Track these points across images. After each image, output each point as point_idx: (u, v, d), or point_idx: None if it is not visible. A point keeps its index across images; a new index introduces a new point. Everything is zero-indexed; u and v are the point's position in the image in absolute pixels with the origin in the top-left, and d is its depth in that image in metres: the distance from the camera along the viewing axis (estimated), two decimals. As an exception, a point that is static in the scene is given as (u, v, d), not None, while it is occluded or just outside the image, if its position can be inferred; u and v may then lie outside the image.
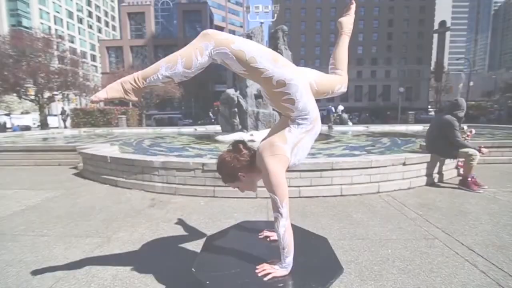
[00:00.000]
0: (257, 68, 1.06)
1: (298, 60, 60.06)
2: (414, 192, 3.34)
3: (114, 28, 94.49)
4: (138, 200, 3.10)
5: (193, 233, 2.16)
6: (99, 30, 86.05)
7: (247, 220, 1.92)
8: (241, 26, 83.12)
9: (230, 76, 9.10)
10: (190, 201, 3.01)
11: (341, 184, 3.17)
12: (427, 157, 3.58)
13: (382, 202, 2.96)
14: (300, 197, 3.09)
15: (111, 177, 3.71)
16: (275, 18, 21.07)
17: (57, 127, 26.65)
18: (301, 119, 1.16)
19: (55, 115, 30.53)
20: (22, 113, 34.13)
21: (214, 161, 3.20)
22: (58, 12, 69.61)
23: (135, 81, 1.09)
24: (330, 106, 19.98)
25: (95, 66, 29.46)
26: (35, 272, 1.63)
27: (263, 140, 1.23)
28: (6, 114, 33.91)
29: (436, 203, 2.91)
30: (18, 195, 3.36)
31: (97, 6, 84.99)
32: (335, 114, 15.89)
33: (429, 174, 3.61)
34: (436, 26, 65.21)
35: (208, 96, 43.59)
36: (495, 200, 3.00)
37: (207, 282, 1.05)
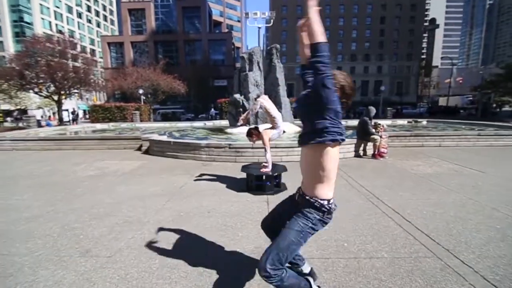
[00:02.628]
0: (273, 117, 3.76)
1: (294, 56, 62.40)
2: (345, 160, 6.06)
3: (112, 22, 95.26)
4: (194, 163, 5.78)
5: (229, 176, 4.84)
6: (98, 25, 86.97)
7: (255, 163, 4.58)
8: (239, 21, 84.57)
9: (237, 83, 11.42)
10: (223, 164, 5.69)
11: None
12: (354, 140, 6.30)
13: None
14: (283, 162, 5.77)
15: (173, 153, 6.39)
16: (271, 24, 23.42)
17: (68, 121, 29.11)
18: (276, 125, 3.86)
19: (66, 110, 32.81)
20: (35, 108, 36.28)
21: (235, 142, 5.91)
22: (58, 7, 70.56)
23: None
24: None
25: (95, 61, 31.41)
26: (150, 190, 4.31)
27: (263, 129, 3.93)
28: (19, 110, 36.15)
29: (354, 165, 5.62)
30: (119, 165, 5.97)
31: (95, 1, 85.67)
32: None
33: (356, 151, 6.34)
34: (427, 23, 67.57)
35: (208, 91, 45.78)
36: (383, 162, 5.74)
37: (247, 170, 3.75)
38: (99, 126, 14.67)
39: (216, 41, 55.56)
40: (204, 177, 4.71)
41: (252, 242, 2.38)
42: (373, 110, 6.27)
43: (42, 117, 35.54)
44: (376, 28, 60.59)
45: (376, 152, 6.11)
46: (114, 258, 2.17)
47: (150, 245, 2.36)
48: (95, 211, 3.20)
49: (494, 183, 4.19)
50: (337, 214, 2.95)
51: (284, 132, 7.85)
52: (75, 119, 30.86)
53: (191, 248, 2.31)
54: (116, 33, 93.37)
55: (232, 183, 4.26)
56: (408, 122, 14.97)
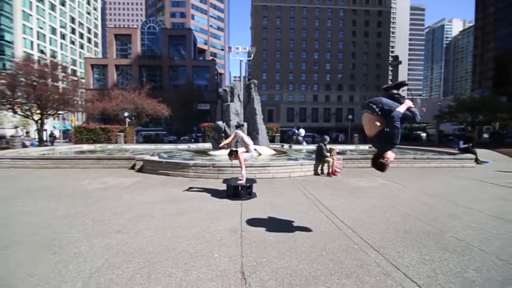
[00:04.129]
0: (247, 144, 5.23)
1: (274, 84, 66.26)
2: (305, 177, 7.58)
3: (96, 44, 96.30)
4: (183, 180, 7.00)
5: (213, 188, 6.13)
6: (81, 46, 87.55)
7: (234, 177, 5.92)
8: (222, 49, 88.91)
9: (219, 111, 13.01)
10: (208, 180, 6.96)
11: (272, 173, 7.33)
12: (313, 161, 7.90)
13: (289, 180, 7.13)
14: (256, 178, 7.15)
15: (164, 171, 7.58)
16: (251, 57, 25.91)
17: (46, 142, 28.85)
18: (249, 149, 5.32)
19: (45, 130, 32.46)
20: (14, 127, 35.35)
21: (218, 162, 7.29)
22: (41, 28, 70.86)
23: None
24: (294, 129, 24.79)
25: (80, 83, 32.12)
26: (143, 199, 5.54)
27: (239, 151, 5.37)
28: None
29: (311, 181, 7.13)
30: (119, 180, 7.07)
31: (80, 23, 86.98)
32: (297, 136, 20.51)
33: (315, 170, 7.91)
34: (391, 59, 75.37)
35: (190, 114, 47.11)
36: (334, 179, 7.31)
37: (227, 182, 5.11)
38: (85, 147, 15.35)
39: (200, 67, 58.22)
40: (193, 189, 5.96)
41: (228, 226, 3.69)
42: (327, 138, 7.99)
43: (19, 137, 34.70)
44: (348, 62, 66.71)
45: (330, 171, 7.71)
46: (139, 233, 3.38)
47: (161, 227, 3.60)
48: (113, 211, 4.36)
49: (406, 193, 5.84)
50: (288, 210, 4.44)
51: (260, 154, 9.37)
52: (52, 141, 30.61)
53: (190, 228, 3.58)
54: (100, 55, 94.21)
55: (215, 193, 5.55)
56: (369, 147, 17.11)
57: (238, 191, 5.16)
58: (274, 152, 12.79)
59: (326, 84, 66.95)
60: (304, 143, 18.55)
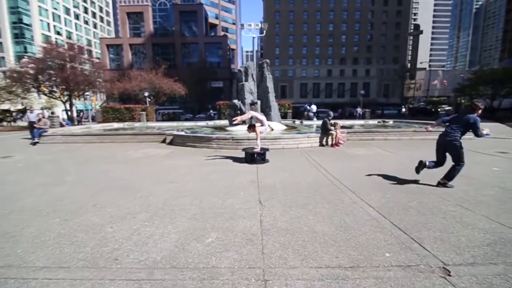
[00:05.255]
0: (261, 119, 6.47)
1: (287, 59, 65.23)
2: (311, 148, 8.78)
3: (108, 23, 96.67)
4: (208, 150, 8.41)
5: (233, 156, 7.48)
6: (95, 26, 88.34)
7: (250, 146, 7.23)
8: (234, 23, 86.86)
9: (235, 90, 14.17)
10: (228, 151, 8.33)
11: (283, 144, 8.58)
12: (319, 134, 9.04)
13: (297, 150, 8.37)
14: (269, 148, 8.44)
15: (192, 143, 9.01)
16: (264, 34, 26.11)
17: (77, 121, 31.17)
18: (263, 124, 6.55)
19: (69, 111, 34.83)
20: (41, 108, 38.05)
21: (236, 135, 8.64)
22: (56, 9, 71.86)
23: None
24: (306, 105, 25.52)
25: (103, 65, 33.80)
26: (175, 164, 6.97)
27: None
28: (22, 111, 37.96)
29: (316, 151, 8.33)
30: (156, 151, 8.55)
31: (92, 2, 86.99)
32: (308, 112, 21.39)
33: (320, 141, 9.08)
34: (413, 29, 71.40)
35: (204, 92, 48.18)
36: (337, 149, 8.48)
37: (245, 150, 6.43)
38: (115, 125, 17.11)
39: (212, 43, 58.02)
40: (217, 156, 7.36)
41: (248, 179, 5.05)
42: (331, 114, 9.05)
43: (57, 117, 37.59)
44: (364, 34, 63.92)
45: (333, 142, 8.86)
46: (186, 183, 4.81)
47: (200, 179, 5.01)
48: (162, 170, 5.83)
49: (393, 158, 6.96)
50: (293, 170, 5.87)
51: (272, 129, 10.64)
52: (80, 120, 32.99)
53: (221, 179, 4.97)
54: (112, 34, 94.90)
55: (236, 159, 6.91)
56: (378, 122, 17.86)
57: (254, 157, 6.47)
58: (285, 127, 13.94)
59: (341, 57, 65.06)
60: (315, 119, 19.45)
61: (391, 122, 17.44)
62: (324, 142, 9.14)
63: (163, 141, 10.17)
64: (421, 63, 62.41)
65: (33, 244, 2.57)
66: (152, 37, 56.79)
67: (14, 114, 39.00)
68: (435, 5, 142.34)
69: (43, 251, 2.42)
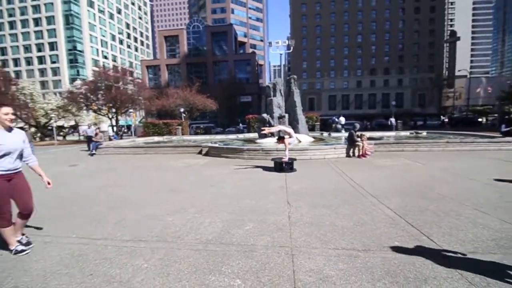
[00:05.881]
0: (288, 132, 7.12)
1: (314, 72, 65.65)
2: (338, 158, 9.12)
3: (148, 46, 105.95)
4: (240, 160, 9.18)
5: (263, 165, 8.14)
6: (136, 49, 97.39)
7: (279, 157, 7.84)
8: (261, 40, 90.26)
9: (264, 104, 15.24)
10: (258, 161, 9.02)
11: (310, 155, 9.06)
12: (345, 146, 9.37)
13: (324, 161, 8.79)
14: (296, 159, 8.97)
15: (225, 154, 9.87)
16: (291, 50, 27.12)
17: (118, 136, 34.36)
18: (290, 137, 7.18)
19: (114, 126, 38.40)
20: (88, 125, 42.47)
21: (265, 147, 9.34)
22: (104, 36, 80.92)
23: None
24: (334, 117, 25.57)
25: (144, 85, 37.56)
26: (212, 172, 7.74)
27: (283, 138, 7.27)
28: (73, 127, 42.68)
29: (342, 161, 8.67)
30: (194, 161, 9.53)
31: (134, 28, 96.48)
32: (336, 124, 21.50)
33: (347, 152, 9.39)
34: (448, 36, 68.00)
35: (234, 106, 50.16)
36: (364, 160, 8.72)
37: (274, 160, 7.06)
38: (156, 138, 18.84)
39: (241, 61, 60.76)
40: (249, 166, 8.07)
41: (277, 185, 5.64)
42: (357, 125, 9.36)
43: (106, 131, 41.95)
44: (395, 43, 62.37)
45: (360, 153, 9.12)
46: (223, 188, 5.54)
47: (234, 185, 5.72)
48: (201, 177, 6.67)
49: (421, 169, 7.08)
50: (319, 178, 6.44)
51: (300, 141, 11.18)
52: (121, 135, 36.28)
53: (253, 185, 5.62)
54: (151, 56, 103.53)
55: (266, 168, 7.56)
56: (410, 133, 17.41)
57: (283, 166, 7.06)
58: (313, 139, 14.34)
59: (371, 68, 63.88)
60: (343, 131, 19.51)
61: (424, 133, 16.93)
62: (351, 153, 9.43)
63: (199, 152, 11.19)
64: (459, 70, 58.70)
65: (116, 226, 3.42)
66: (186, 57, 61.14)
67: (66, 129, 43.99)
68: (473, 9, 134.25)
69: (126, 231, 3.25)
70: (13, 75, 48.61)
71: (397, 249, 2.62)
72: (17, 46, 72.18)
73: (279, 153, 8.86)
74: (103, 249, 2.74)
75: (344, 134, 18.10)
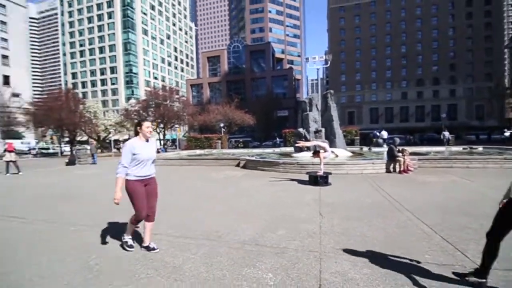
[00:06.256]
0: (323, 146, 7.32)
1: (354, 84, 63.89)
2: (376, 174, 8.87)
3: (192, 66, 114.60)
4: (276, 173, 9.49)
5: (298, 178, 8.33)
6: (182, 70, 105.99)
7: (314, 170, 7.97)
8: (299, 56, 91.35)
9: (300, 119, 15.63)
10: (293, 174, 9.23)
11: (346, 170, 8.99)
12: (385, 161, 9.09)
13: (361, 176, 8.65)
14: (332, 173, 8.97)
15: (261, 167, 10.29)
16: (328, 64, 27.14)
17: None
18: (326, 151, 7.33)
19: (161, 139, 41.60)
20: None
21: (301, 161, 9.55)
22: (155, 59, 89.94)
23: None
24: (375, 131, 24.55)
25: (188, 102, 41.27)
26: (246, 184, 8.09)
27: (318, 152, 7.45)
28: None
29: (381, 177, 8.44)
30: (233, 173, 10.11)
31: (180, 51, 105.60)
32: (377, 139, 20.62)
33: (386, 168, 9.09)
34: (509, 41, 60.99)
35: (271, 121, 50.96)
36: (404, 176, 8.36)
37: (309, 173, 7.24)
38: (198, 151, 20.19)
39: (278, 76, 62.18)
40: (284, 179, 8.35)
41: (311, 197, 5.82)
42: (397, 140, 9.06)
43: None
44: (445, 51, 58.02)
45: (401, 169, 8.76)
46: (260, 197, 5.90)
47: (270, 196, 6.04)
48: (239, 188, 7.14)
49: (469, 186, 6.60)
50: (354, 192, 6.50)
51: (337, 156, 11.15)
52: (166, 148, 39.26)
53: (288, 197, 5.89)
54: (194, 75, 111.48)
55: (300, 182, 7.75)
56: (463, 148, 15.90)
57: (317, 179, 7.19)
58: (351, 154, 14.04)
59: (417, 79, 59.99)
60: (385, 146, 18.62)
61: (480, 148, 15.33)
62: (391, 169, 9.11)
63: (237, 165, 11.80)
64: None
65: (168, 225, 4.00)
66: (226, 75, 64.70)
67: (121, 143, 48.80)
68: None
69: (175, 229, 3.80)
70: (80, 95, 56.46)
71: (426, 261, 2.67)
72: (85, 71, 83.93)
73: (315, 167, 8.97)
74: (158, 242, 3.28)
75: (385, 149, 17.29)
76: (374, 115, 62.59)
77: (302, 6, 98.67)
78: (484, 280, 2.24)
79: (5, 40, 46.20)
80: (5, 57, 45.68)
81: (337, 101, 65.02)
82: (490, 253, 2.24)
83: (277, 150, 19.50)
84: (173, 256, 2.88)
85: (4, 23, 46.68)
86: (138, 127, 3.04)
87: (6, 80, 44.31)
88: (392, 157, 8.98)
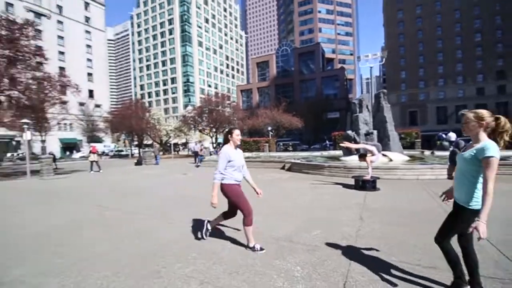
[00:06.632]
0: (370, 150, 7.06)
1: (416, 81, 57.89)
2: (435, 180, 8.03)
3: (242, 73, 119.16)
4: (321, 177, 9.38)
5: (343, 182, 8.10)
6: (233, 76, 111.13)
7: (361, 175, 7.66)
8: (351, 54, 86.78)
9: (349, 121, 15.03)
10: (339, 178, 9.00)
11: (399, 174, 8.37)
12: (446, 166, 8.17)
13: (416, 182, 7.95)
14: (382, 178, 8.46)
15: (306, 170, 10.28)
16: (383, 62, 25.33)
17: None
18: (373, 154, 7.03)
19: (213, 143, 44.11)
20: (195, 142, 50.79)
21: (349, 164, 9.25)
22: (208, 68, 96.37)
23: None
24: (441, 133, 21.88)
25: (239, 107, 43.48)
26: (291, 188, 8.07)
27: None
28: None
29: (440, 183, 7.62)
30: (277, 176, 10.34)
31: (231, 59, 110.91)
32: (442, 141, 18.37)
33: (448, 174, 8.15)
34: None
35: (320, 123, 49.44)
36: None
37: (356, 177, 7.02)
38: (246, 154, 20.99)
39: (328, 77, 60.12)
40: (329, 182, 8.23)
41: (355, 202, 5.67)
42: (461, 142, 8.01)
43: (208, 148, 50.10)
44: (537, 36, 48.12)
45: (466, 175, 7.76)
46: (303, 200, 6.00)
47: (314, 199, 6.08)
48: (284, 190, 7.33)
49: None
50: (403, 199, 6.10)
51: (390, 160, 10.50)
52: (217, 150, 41.51)
53: (332, 200, 5.85)
54: (244, 81, 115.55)
55: (346, 186, 7.55)
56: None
57: (364, 184, 6.92)
58: (408, 158, 12.89)
59: (497, 70, 51.08)
60: (450, 148, 16.48)
61: None
62: (454, 175, 8.12)
63: (282, 168, 11.99)
64: None
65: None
66: (275, 79, 65.44)
67: (179, 146, 53.56)
68: None
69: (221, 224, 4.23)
70: (147, 105, 63.94)
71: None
72: (151, 83, 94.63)
73: (363, 171, 8.60)
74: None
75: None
76: (442, 115, 55.34)
77: (355, 2, 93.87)
78: None
79: (90, 60, 55.57)
80: (90, 74, 55.07)
81: (396, 101, 59.62)
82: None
83: (325, 153, 19.00)
84: (212, 244, 3.28)
85: (89, 46, 56.26)
86: (229, 135, 3.19)
87: (91, 94, 53.25)
88: (454, 162, 8.00)
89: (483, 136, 2.00)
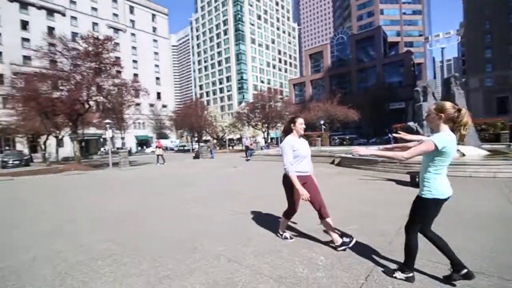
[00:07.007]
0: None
1: (508, 60, 47.97)
2: (519, 178, 6.72)
3: (295, 66, 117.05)
4: (372, 172, 8.79)
5: (397, 179, 7.43)
6: (285, 70, 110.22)
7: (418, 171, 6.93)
8: (421, 35, 76.32)
9: (410, 112, 13.47)
10: (394, 174, 8.28)
11: (469, 172, 7.27)
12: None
13: (491, 180, 6.80)
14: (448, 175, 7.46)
15: (357, 165, 9.75)
16: (459, 40, 21.75)
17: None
18: None
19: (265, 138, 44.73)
20: (246, 137, 52.51)
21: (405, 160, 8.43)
22: (261, 65, 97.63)
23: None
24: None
25: (291, 102, 43.15)
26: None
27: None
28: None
29: (524, 181, 6.37)
30: (326, 170, 10.06)
31: (284, 53, 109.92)
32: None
33: (536, 171, 6.72)
34: None
35: (381, 115, 45.11)
36: None
37: (411, 173, 6.40)
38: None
39: (392, 63, 54.27)
40: (381, 178, 7.68)
41: (406, 199, 5.22)
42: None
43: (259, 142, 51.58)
44: None
45: None
46: (351, 194, 5.81)
47: (362, 194, 5.82)
48: (332, 184, 7.19)
49: None
50: (469, 199, 5.33)
51: (463, 155, 9.32)
52: (268, 146, 42.13)
53: (380, 196, 5.51)
54: (297, 74, 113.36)
55: (400, 182, 6.96)
56: None
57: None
58: (486, 152, 10.98)
59: None
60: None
61: None
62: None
63: (332, 162, 11.61)
64: None
65: (256, 207, 4.73)
66: (329, 70, 62.46)
67: (234, 141, 56.15)
68: None
69: (262, 209, 4.47)
70: (205, 103, 68.73)
71: (531, 283, 2.14)
72: (208, 82, 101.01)
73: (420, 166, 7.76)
74: (239, 219, 4.01)
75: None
76: (544, 100, 44.64)
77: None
78: None
79: (157, 66, 62.61)
80: (157, 78, 62.10)
81: (479, 85, 50.13)
82: None
83: (382, 147, 17.50)
84: (248, 230, 3.53)
85: (156, 53, 63.30)
86: (292, 124, 2.93)
87: (159, 95, 60.10)
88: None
89: (443, 128, 2.00)
